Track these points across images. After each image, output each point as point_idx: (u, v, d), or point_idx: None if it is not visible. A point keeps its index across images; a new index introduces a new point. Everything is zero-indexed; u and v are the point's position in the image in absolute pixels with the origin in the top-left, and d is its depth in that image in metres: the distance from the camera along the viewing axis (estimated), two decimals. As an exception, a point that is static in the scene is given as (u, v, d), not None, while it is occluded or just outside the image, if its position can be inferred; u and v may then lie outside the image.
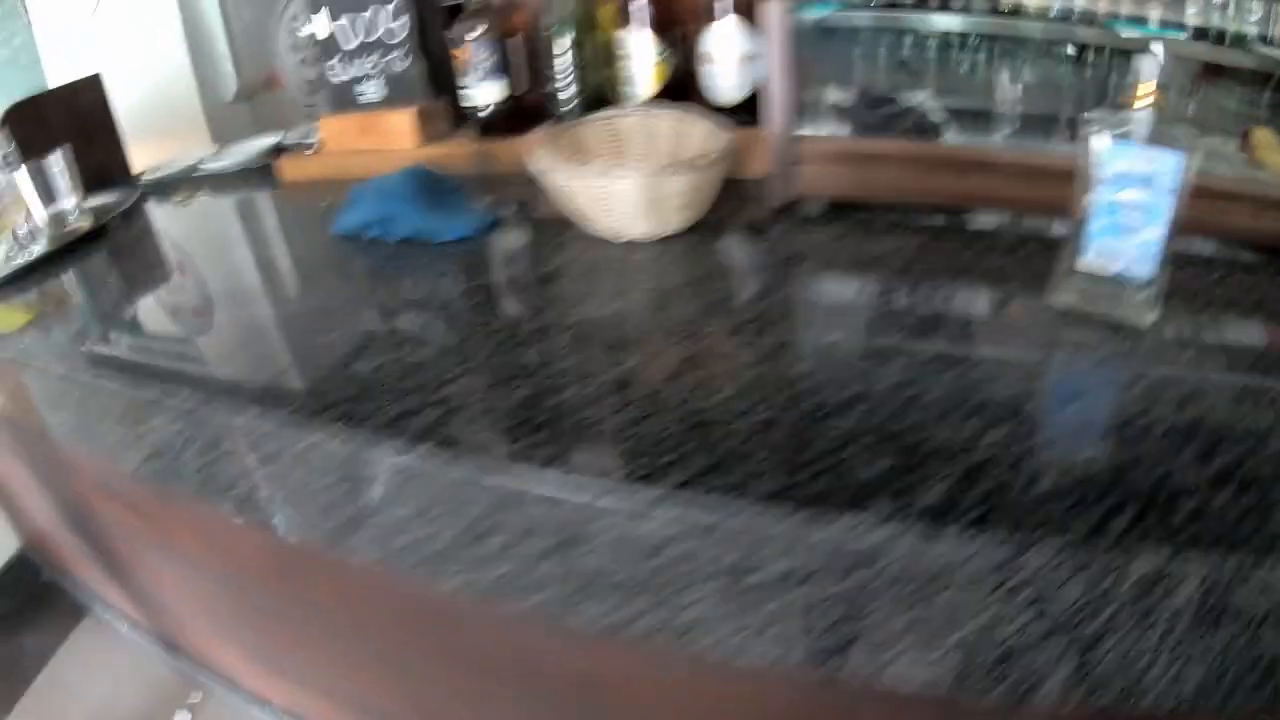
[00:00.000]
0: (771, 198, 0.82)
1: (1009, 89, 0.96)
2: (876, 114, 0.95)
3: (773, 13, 0.79)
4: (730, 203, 0.82)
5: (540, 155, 0.77)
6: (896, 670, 0.46)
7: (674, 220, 0.77)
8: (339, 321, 0.70)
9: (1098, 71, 0.87)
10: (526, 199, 0.90)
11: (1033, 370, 0.58)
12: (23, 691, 1.32)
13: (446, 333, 0.67)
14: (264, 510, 0.64)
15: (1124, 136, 0.59)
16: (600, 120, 0.87)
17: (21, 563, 1.43)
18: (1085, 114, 0.64)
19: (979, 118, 1.00)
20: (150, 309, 0.84)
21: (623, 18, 0.92)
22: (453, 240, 0.79)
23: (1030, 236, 0.74)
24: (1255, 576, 0.38)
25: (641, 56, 0.93)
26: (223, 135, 1.43)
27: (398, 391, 0.57)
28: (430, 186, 0.85)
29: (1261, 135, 0.90)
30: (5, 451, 1.20)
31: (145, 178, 1.24)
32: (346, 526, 0.60)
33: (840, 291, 0.71)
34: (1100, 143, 0.59)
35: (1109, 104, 0.79)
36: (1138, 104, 0.62)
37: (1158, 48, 0.63)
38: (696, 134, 0.84)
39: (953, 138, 0.92)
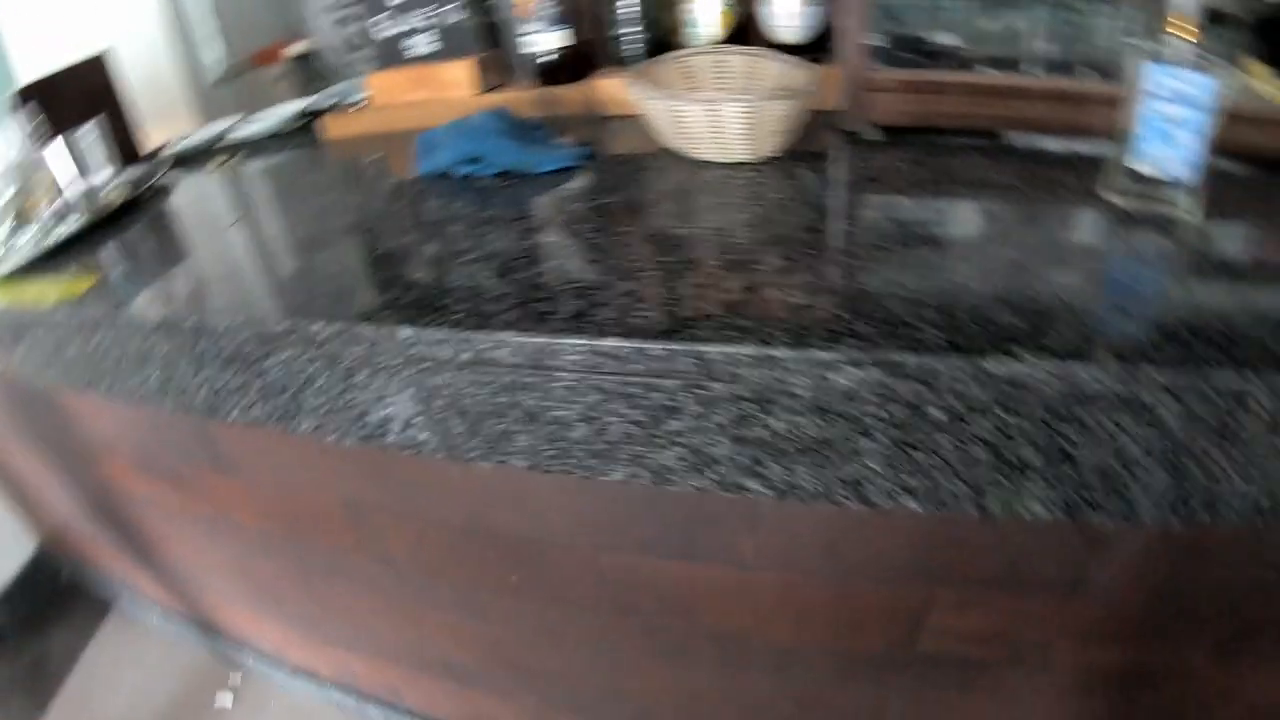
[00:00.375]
0: (847, 124, 0.85)
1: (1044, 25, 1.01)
2: (925, 52, 0.99)
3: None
4: (807, 132, 0.85)
5: (638, 87, 0.78)
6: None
7: (769, 145, 0.79)
8: (469, 244, 0.70)
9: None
10: (602, 138, 0.91)
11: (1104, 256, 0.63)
12: (55, 693, 1.26)
13: (589, 248, 0.67)
14: (408, 431, 0.63)
15: (1165, 59, 0.66)
16: (674, 60, 0.89)
17: (39, 564, 1.37)
18: (1131, 39, 0.69)
19: (1012, 54, 1.04)
20: (231, 257, 0.81)
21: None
22: (551, 171, 0.79)
23: (1075, 156, 0.79)
24: None
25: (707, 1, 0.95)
26: (209, 118, 1.39)
27: (564, 293, 0.58)
28: (515, 125, 0.85)
29: (1256, 68, 1.00)
30: (25, 446, 1.15)
31: (168, 151, 1.20)
32: (504, 436, 0.60)
33: (921, 202, 0.75)
34: (1145, 65, 0.66)
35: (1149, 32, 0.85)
36: (1175, 31, 0.68)
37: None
38: (771, 71, 0.86)
39: (997, 72, 0.96)
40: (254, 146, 1.14)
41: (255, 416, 0.71)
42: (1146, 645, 0.68)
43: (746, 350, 0.50)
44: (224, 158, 1.11)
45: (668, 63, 0.89)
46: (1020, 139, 0.88)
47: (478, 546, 0.81)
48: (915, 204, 0.72)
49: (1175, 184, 0.68)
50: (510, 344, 0.54)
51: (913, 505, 0.53)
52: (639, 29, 0.96)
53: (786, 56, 0.86)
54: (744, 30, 0.98)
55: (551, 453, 0.59)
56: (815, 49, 0.95)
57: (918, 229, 0.66)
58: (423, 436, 0.63)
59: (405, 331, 0.57)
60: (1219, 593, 0.63)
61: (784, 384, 0.50)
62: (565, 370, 0.55)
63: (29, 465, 1.19)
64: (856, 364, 0.48)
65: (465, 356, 0.56)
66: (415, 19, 1.02)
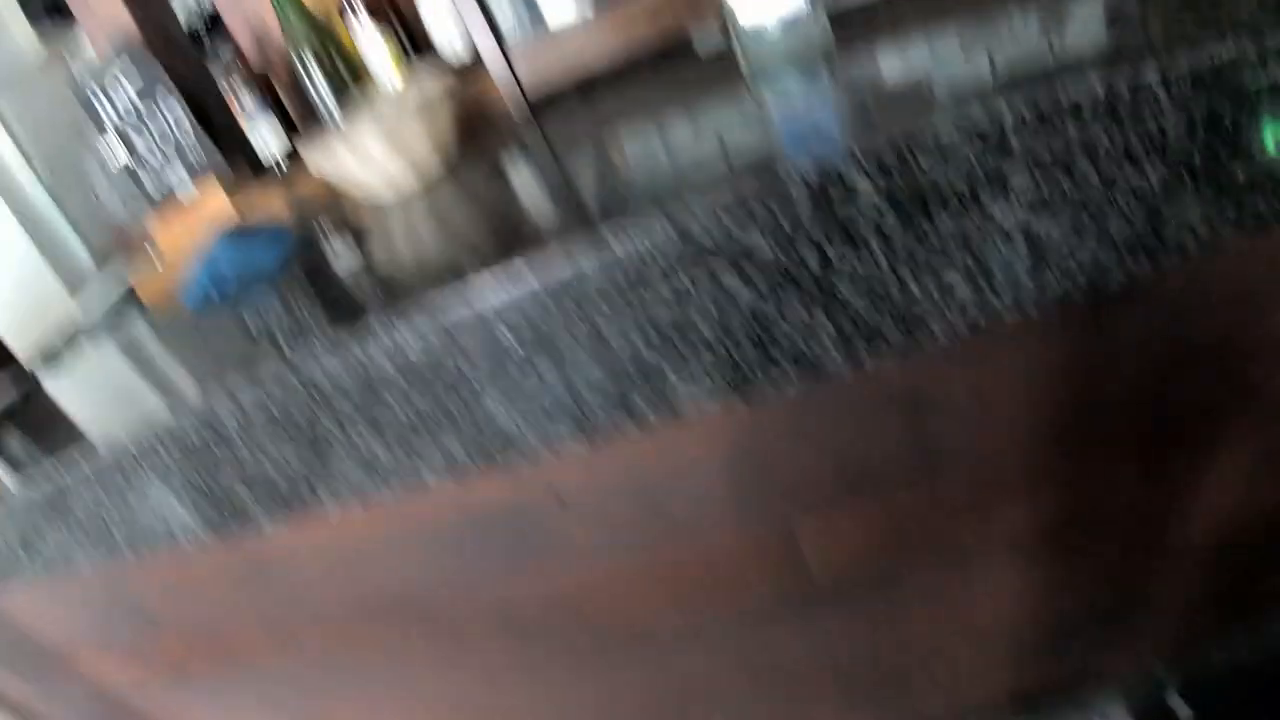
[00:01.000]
0: (517, 110, 0.91)
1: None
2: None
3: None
4: (487, 133, 0.90)
5: (313, 158, 0.86)
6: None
7: (432, 160, 0.86)
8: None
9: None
10: (342, 209, 0.98)
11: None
12: None
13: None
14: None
15: None
16: (353, 111, 0.96)
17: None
18: None
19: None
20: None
21: (342, 14, 1.01)
22: (276, 267, 0.87)
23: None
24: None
25: (374, 48, 1.02)
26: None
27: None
28: (237, 239, 0.93)
29: None
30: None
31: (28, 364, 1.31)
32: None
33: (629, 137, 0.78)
34: None
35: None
36: None
37: None
38: (433, 84, 0.93)
39: None
40: (97, 334, 1.25)
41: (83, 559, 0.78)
42: (1056, 487, 0.63)
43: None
44: (71, 356, 1.22)
45: (351, 116, 0.96)
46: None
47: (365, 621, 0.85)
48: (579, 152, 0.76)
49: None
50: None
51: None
52: (329, 93, 1.04)
53: (443, 65, 0.92)
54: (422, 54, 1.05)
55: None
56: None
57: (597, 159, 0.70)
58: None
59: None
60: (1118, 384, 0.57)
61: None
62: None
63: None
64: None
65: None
66: (163, 160, 1.12)
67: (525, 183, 0.79)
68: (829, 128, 0.54)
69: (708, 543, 0.67)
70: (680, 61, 0.87)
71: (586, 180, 0.68)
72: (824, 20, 0.67)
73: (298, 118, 1.09)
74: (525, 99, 0.91)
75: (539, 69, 0.90)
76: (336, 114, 1.02)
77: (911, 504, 0.63)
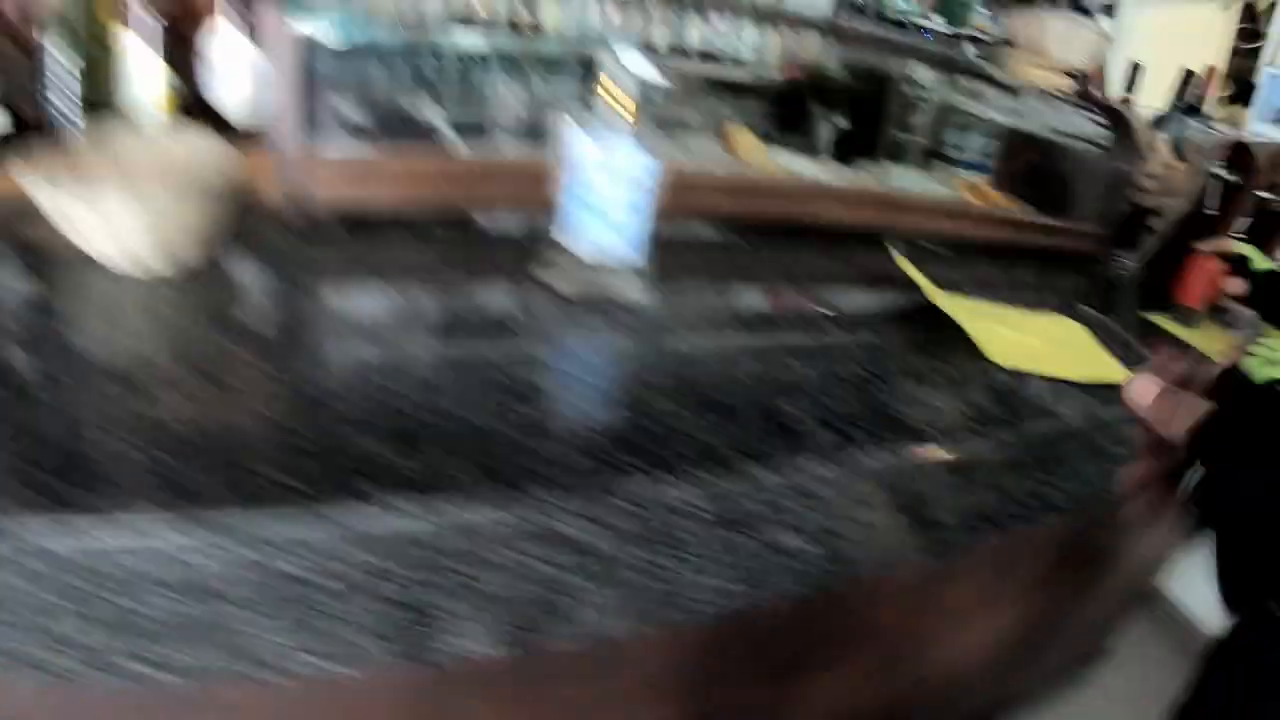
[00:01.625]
0: (289, 217, 0.93)
1: (514, 103, 1.21)
2: (390, 129, 1.12)
3: (273, 26, 0.88)
4: (248, 224, 0.88)
5: (32, 180, 0.77)
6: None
7: (184, 247, 0.82)
8: None
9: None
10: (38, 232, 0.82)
11: (545, 351, 0.73)
12: None
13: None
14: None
15: (600, 135, 0.72)
16: (104, 138, 0.89)
17: None
18: (564, 114, 0.75)
19: (485, 130, 1.23)
20: None
21: (122, 19, 0.95)
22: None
23: (537, 234, 0.86)
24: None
25: (148, 71, 0.97)
26: None
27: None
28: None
29: (738, 132, 1.30)
30: None
31: None
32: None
33: (363, 301, 0.83)
34: (576, 138, 0.72)
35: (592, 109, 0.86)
36: (617, 109, 0.75)
37: (635, 63, 0.75)
38: (208, 155, 0.89)
39: (461, 149, 1.12)
40: None
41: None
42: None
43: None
44: None
45: (97, 141, 0.88)
46: (482, 219, 0.98)
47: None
48: (338, 309, 0.78)
49: (617, 264, 0.75)
50: None
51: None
52: (73, 96, 0.95)
53: (226, 136, 0.91)
54: (199, 103, 1.02)
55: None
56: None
57: (315, 348, 0.72)
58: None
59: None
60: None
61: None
62: None
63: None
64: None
65: None
66: None
67: (256, 316, 0.79)
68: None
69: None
70: (469, 232, 0.96)
71: (310, 332, 0.72)
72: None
73: (29, 112, 0.97)
74: (309, 211, 0.93)
75: (329, 184, 0.94)
76: (79, 129, 0.95)
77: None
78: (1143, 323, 1.22)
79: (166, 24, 0.97)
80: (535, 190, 0.83)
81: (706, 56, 1.74)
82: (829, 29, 1.71)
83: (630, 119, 0.75)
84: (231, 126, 1.01)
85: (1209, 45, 3.31)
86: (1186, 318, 1.25)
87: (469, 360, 0.70)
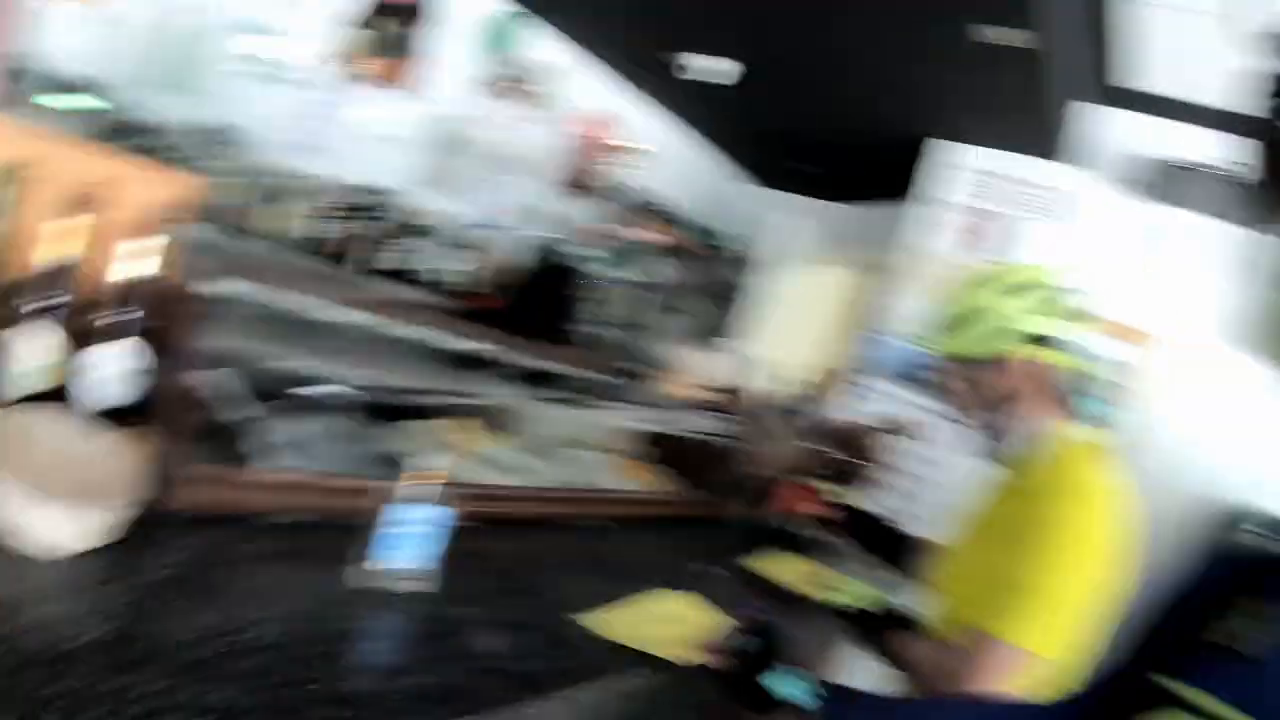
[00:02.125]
0: (147, 515, 1.01)
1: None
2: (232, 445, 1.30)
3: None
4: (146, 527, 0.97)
5: None
6: None
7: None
8: None
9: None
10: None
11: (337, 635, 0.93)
12: None
13: None
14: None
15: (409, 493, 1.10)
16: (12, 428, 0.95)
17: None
18: (395, 478, 1.12)
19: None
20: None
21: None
22: None
23: (349, 534, 1.11)
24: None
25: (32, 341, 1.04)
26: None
27: None
28: None
29: (456, 429, 1.58)
30: None
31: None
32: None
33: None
34: (396, 493, 1.09)
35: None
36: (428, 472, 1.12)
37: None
38: (76, 452, 0.98)
39: (292, 461, 1.33)
40: None
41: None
42: None
43: None
44: None
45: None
46: (320, 522, 1.19)
47: None
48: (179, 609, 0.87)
49: (413, 571, 1.08)
50: None
51: None
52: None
53: (104, 437, 1.01)
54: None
55: None
56: (138, 413, 1.12)
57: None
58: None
59: None
60: None
61: None
62: None
63: None
64: None
65: None
66: None
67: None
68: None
69: None
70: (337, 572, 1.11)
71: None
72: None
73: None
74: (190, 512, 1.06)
75: (203, 492, 1.10)
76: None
77: None
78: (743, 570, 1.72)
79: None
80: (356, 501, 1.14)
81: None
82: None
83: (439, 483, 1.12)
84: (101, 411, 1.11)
85: (844, 303, 4.22)
86: (797, 526, 1.91)
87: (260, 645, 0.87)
